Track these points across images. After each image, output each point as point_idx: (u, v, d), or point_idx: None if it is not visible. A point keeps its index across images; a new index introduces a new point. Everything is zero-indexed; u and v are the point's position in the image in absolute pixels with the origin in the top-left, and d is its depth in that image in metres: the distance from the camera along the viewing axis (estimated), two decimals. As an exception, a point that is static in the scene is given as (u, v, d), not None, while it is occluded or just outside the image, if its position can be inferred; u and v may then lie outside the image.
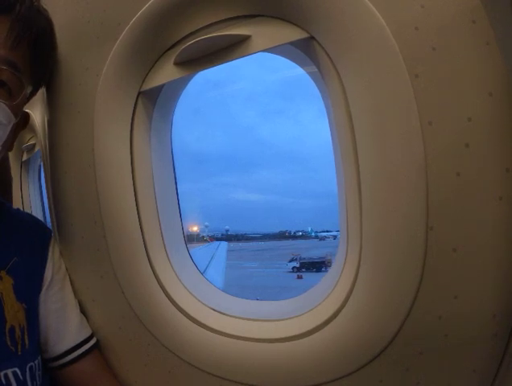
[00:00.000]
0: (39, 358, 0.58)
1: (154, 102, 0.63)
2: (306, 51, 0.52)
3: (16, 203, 1.43)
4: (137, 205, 0.60)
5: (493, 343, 0.44)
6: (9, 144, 0.58)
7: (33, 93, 0.60)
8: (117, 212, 0.59)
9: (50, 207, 0.74)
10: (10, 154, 1.17)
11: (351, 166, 0.47)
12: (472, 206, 0.41)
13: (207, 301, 0.60)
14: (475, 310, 0.43)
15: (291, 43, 0.50)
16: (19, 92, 0.54)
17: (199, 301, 0.60)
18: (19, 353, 0.54)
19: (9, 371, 0.51)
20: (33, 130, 1.06)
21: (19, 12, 0.52)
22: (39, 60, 0.58)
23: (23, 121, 0.61)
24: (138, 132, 0.61)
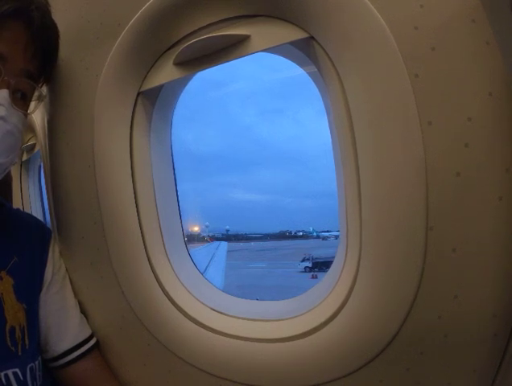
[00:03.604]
0: (40, 358, 0.58)
1: (154, 102, 0.63)
2: (306, 51, 0.52)
3: (16, 203, 1.43)
4: (137, 205, 0.60)
5: (493, 343, 0.44)
6: None
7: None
8: (117, 212, 0.59)
9: (50, 207, 0.74)
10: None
11: (351, 165, 0.47)
12: (472, 206, 0.41)
13: (207, 301, 0.60)
14: (475, 310, 0.43)
15: (291, 43, 0.50)
16: (31, 98, 0.56)
17: (199, 301, 0.60)
18: (19, 353, 0.54)
19: (9, 372, 0.51)
20: (33, 130, 1.06)
21: (37, 22, 0.51)
22: (48, 65, 0.59)
23: None
24: (137, 132, 0.61)
